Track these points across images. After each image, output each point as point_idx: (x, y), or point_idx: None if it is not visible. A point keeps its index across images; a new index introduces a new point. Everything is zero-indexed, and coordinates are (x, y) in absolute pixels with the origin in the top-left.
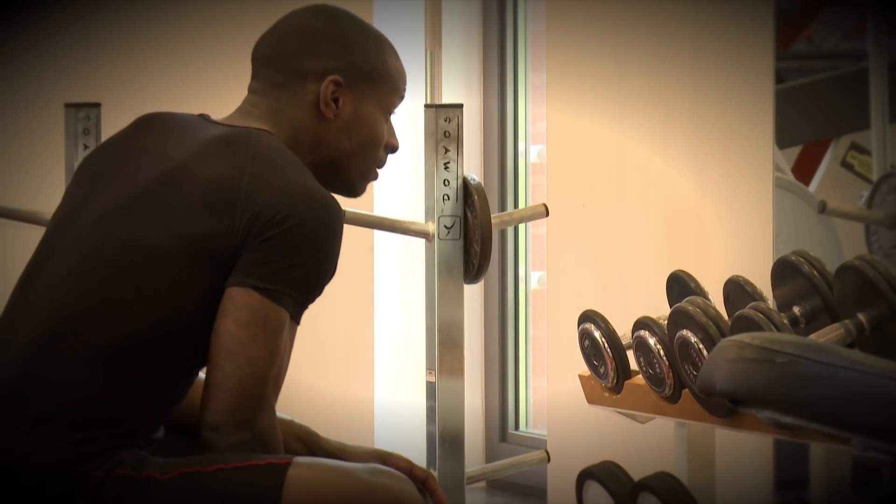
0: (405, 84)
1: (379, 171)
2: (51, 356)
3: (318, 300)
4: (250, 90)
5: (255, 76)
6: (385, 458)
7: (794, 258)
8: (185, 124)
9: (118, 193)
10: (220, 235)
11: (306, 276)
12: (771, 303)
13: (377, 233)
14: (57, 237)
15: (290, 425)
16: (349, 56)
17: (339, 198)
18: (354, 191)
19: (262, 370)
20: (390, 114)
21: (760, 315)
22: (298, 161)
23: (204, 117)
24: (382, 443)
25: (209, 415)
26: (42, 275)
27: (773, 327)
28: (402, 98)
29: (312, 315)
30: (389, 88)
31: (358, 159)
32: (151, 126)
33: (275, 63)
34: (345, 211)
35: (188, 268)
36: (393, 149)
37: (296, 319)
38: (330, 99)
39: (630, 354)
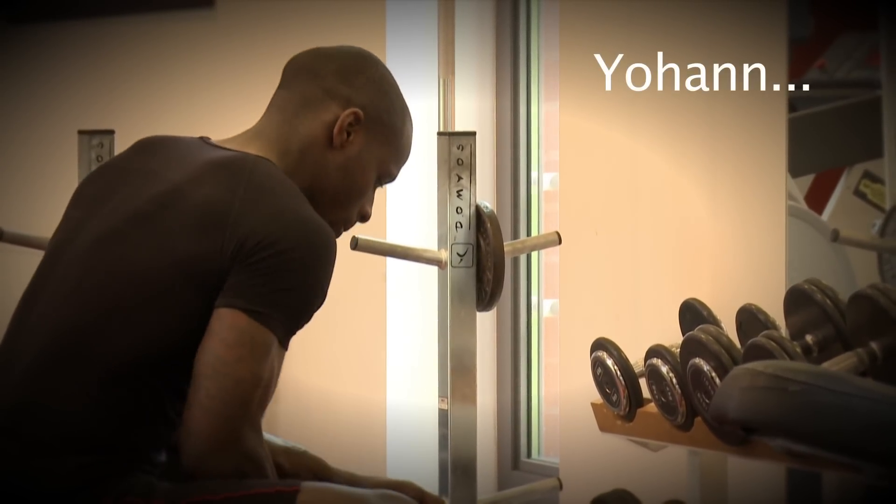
0: (404, 162)
1: (342, 230)
2: (50, 382)
3: (331, 327)
4: (272, 105)
5: (284, 85)
6: (397, 486)
7: (806, 287)
8: (184, 147)
9: (114, 216)
10: (208, 257)
11: (295, 300)
12: (783, 331)
13: (390, 260)
14: (55, 261)
15: (302, 456)
16: (378, 101)
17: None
18: None
19: (246, 392)
20: (379, 181)
21: (773, 343)
22: (295, 188)
23: (204, 140)
24: (394, 470)
25: (192, 440)
26: (41, 299)
27: (785, 355)
28: (396, 173)
29: (326, 342)
30: (395, 152)
31: (338, 202)
32: (150, 149)
33: (311, 75)
34: (358, 238)
35: (176, 290)
36: (364, 216)
37: (283, 344)
38: (345, 128)
39: (642, 382)
